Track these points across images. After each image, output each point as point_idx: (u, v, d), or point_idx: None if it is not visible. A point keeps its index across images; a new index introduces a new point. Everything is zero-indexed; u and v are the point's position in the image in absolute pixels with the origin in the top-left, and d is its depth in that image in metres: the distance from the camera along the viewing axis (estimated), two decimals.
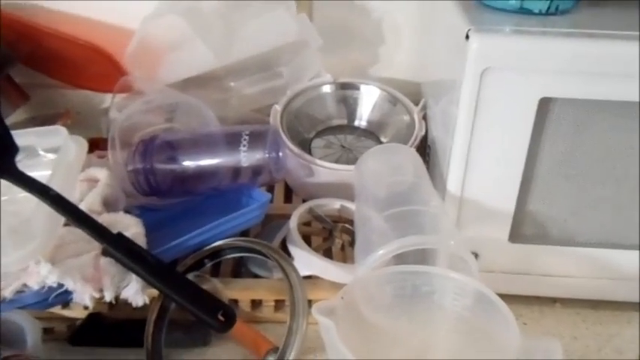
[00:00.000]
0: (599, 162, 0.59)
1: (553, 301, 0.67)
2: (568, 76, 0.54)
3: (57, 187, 0.54)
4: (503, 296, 0.49)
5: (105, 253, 0.53)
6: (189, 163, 0.67)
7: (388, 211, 0.57)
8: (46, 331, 0.61)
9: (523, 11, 0.59)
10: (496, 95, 0.55)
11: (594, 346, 0.62)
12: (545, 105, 0.56)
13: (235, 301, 0.62)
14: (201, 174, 0.67)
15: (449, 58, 0.65)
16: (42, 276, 0.51)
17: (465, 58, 0.55)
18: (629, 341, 0.63)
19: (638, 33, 0.53)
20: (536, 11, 0.59)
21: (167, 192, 0.68)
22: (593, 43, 0.54)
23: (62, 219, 0.55)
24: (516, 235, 0.62)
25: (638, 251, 0.62)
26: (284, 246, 0.65)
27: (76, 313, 0.62)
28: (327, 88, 0.81)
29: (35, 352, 0.58)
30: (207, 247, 0.61)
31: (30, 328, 0.59)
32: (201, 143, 0.69)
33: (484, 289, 0.50)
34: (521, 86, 0.55)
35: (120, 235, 0.53)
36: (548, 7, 0.58)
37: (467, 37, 0.54)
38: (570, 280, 0.64)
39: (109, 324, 0.62)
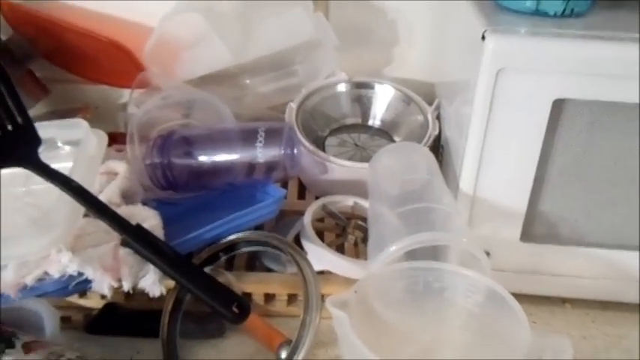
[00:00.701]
0: (611, 163, 0.59)
1: (562, 301, 0.68)
2: (582, 77, 0.55)
3: (78, 178, 0.55)
4: (513, 295, 0.50)
5: (124, 243, 0.54)
6: (205, 159, 0.68)
7: (401, 208, 0.57)
8: (64, 320, 0.63)
9: (539, 13, 0.60)
10: (510, 96, 0.56)
11: (603, 347, 0.63)
12: (558, 106, 0.56)
13: (249, 295, 0.63)
14: (217, 169, 0.68)
15: (463, 59, 0.66)
16: (63, 264, 0.52)
17: (480, 58, 0.55)
18: (637, 342, 0.63)
19: None
20: (552, 13, 0.59)
21: (183, 186, 0.69)
22: (608, 46, 0.54)
23: (82, 210, 0.56)
24: (528, 234, 0.63)
25: None
26: (297, 242, 0.66)
27: (93, 302, 0.64)
28: (342, 87, 0.82)
29: (53, 340, 0.60)
30: (223, 241, 0.62)
31: (48, 317, 0.60)
32: (218, 139, 0.70)
33: (496, 286, 0.51)
34: (535, 87, 0.55)
35: (139, 226, 0.54)
36: (564, 10, 0.59)
37: (483, 37, 0.55)
38: (580, 281, 0.65)
39: (125, 314, 0.63)
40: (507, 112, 0.57)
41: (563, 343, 0.46)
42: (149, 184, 0.68)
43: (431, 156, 0.67)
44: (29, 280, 0.52)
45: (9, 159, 0.56)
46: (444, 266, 0.54)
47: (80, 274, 0.52)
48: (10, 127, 0.56)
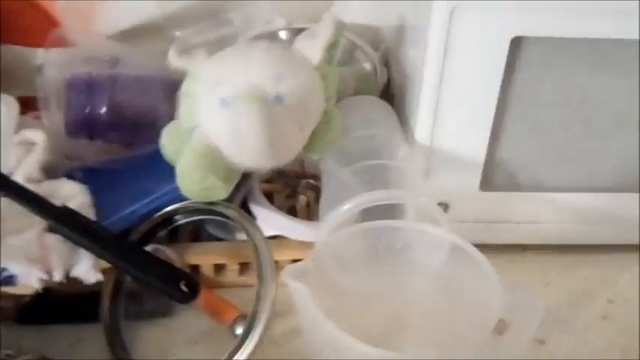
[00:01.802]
0: (568, 105, 0.57)
1: (523, 248, 0.66)
2: (540, 13, 0.51)
3: None
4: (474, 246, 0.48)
5: (50, 229, 0.48)
6: (128, 104, 0.62)
7: (355, 165, 0.53)
8: None
9: None
10: (465, 36, 0.52)
11: (566, 292, 0.62)
12: (516, 45, 0.53)
13: (197, 267, 0.58)
14: (142, 118, 0.62)
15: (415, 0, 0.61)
16: None
17: None
18: (599, 283, 0.63)
19: None
20: None
21: (104, 133, 0.62)
22: None
23: None
24: (487, 183, 0.60)
25: (605, 194, 0.61)
26: (244, 206, 0.61)
27: (23, 289, 0.57)
28: (282, 35, 0.76)
29: None
30: (161, 213, 0.57)
31: None
32: (143, 86, 0.65)
33: (462, 242, 0.48)
34: (492, 25, 0.51)
35: (65, 208, 0.48)
36: None
37: None
38: (541, 226, 0.64)
39: (60, 299, 0.57)
40: (463, 54, 0.53)
41: (534, 302, 0.43)
42: (71, 152, 0.61)
43: (387, 108, 0.63)
44: None
45: None
46: (405, 224, 0.51)
47: (3, 269, 0.46)
48: None
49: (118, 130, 0.61)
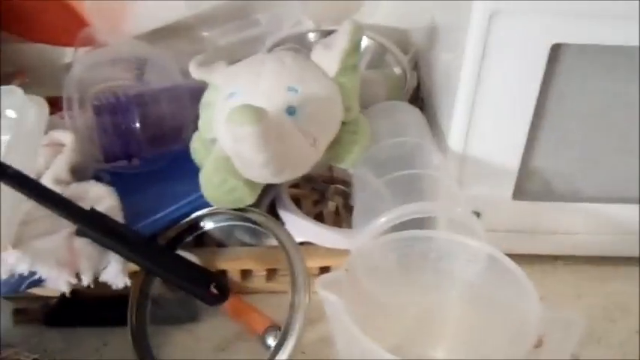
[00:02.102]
0: (606, 113, 0.55)
1: (554, 259, 0.65)
2: (582, 20, 0.49)
3: (16, 160, 0.47)
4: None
5: (79, 233, 0.47)
6: (157, 120, 0.61)
7: (389, 176, 0.52)
8: (18, 312, 0.57)
9: None
10: (504, 42, 0.50)
11: (599, 305, 0.60)
12: (556, 52, 0.51)
13: (224, 272, 0.58)
14: (171, 130, 0.62)
15: (451, 3, 0.59)
16: (11, 264, 0.45)
17: (471, 1, 0.49)
18: (634, 296, 0.61)
19: None
20: None
21: (138, 153, 0.62)
22: None
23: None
24: (520, 192, 0.59)
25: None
26: (271, 211, 0.60)
27: (50, 291, 0.57)
28: (311, 37, 0.75)
29: (7, 337, 0.53)
30: (188, 219, 0.56)
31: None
32: (169, 97, 0.63)
33: (499, 254, 0.46)
34: (532, 31, 0.50)
35: (95, 212, 0.48)
36: None
37: None
38: (574, 237, 0.62)
39: (87, 302, 0.56)
40: (501, 60, 0.51)
41: (573, 319, 0.42)
42: (97, 154, 0.60)
43: (418, 114, 0.62)
44: None
45: None
46: (439, 234, 0.49)
47: (32, 272, 0.46)
48: None
49: (152, 145, 0.61)
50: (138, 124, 0.60)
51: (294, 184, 0.65)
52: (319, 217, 0.62)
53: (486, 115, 0.54)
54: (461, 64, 0.52)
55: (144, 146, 0.60)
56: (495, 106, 0.54)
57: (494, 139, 0.56)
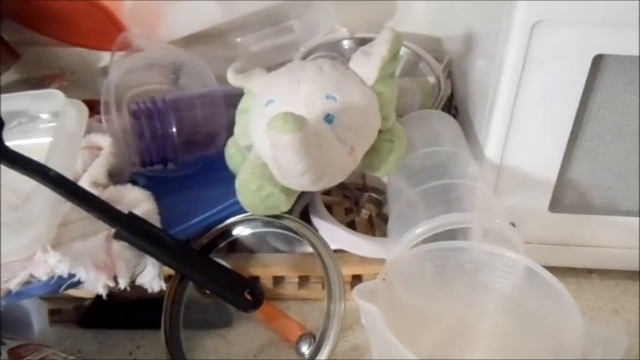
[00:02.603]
0: None
1: (589, 272, 0.64)
2: (625, 31, 0.49)
3: (57, 162, 0.48)
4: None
5: (118, 236, 0.48)
6: (193, 120, 0.62)
7: (424, 185, 0.52)
8: (53, 312, 0.57)
9: None
10: (546, 52, 0.50)
11: (636, 319, 0.59)
12: (598, 63, 0.50)
13: (256, 278, 0.58)
14: (206, 136, 0.62)
15: (488, 10, 0.59)
16: (51, 265, 0.45)
17: (513, 10, 0.49)
18: None
19: None
20: None
21: (174, 159, 0.63)
22: None
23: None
24: (557, 204, 0.58)
25: None
26: (302, 218, 0.60)
27: (84, 292, 0.57)
28: (345, 44, 0.75)
29: (43, 337, 0.54)
30: (225, 224, 0.56)
31: (35, 310, 0.55)
32: (204, 101, 0.64)
33: (537, 267, 0.46)
34: (574, 42, 0.49)
35: (133, 216, 0.48)
36: None
37: None
38: (611, 251, 0.61)
39: (121, 304, 0.57)
40: (542, 70, 0.51)
41: (616, 336, 0.41)
42: (132, 157, 0.61)
43: (453, 123, 0.61)
44: (13, 286, 0.45)
45: None
46: (477, 245, 0.49)
47: (71, 275, 0.46)
48: None
49: (187, 149, 0.62)
50: (174, 129, 0.60)
51: (326, 191, 0.65)
52: (351, 225, 0.62)
53: (525, 125, 0.54)
54: (500, 73, 0.52)
55: (179, 151, 0.61)
56: (534, 117, 0.53)
57: (532, 150, 0.55)
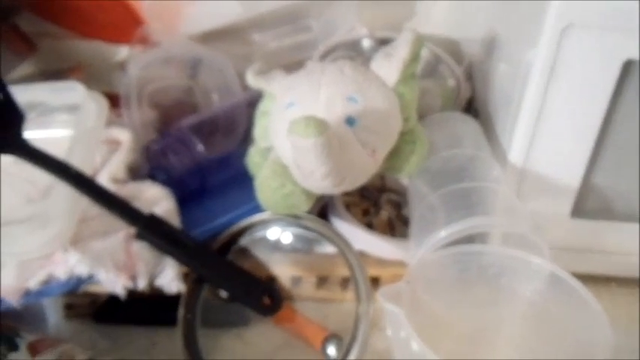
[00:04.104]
0: None
1: (608, 280, 0.63)
2: None
3: (78, 158, 0.47)
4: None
5: (139, 237, 0.47)
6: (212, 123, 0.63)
7: (446, 188, 0.51)
8: (68, 307, 0.57)
9: None
10: (575, 56, 0.49)
11: None
12: (627, 68, 0.50)
13: (273, 279, 0.57)
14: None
15: (514, 14, 0.58)
16: (70, 265, 0.45)
17: (543, 14, 0.48)
18: None
19: None
20: None
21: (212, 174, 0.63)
22: None
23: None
24: (579, 210, 0.57)
25: None
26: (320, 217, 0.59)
27: (100, 287, 0.57)
28: (365, 44, 0.74)
29: (57, 331, 0.54)
30: (243, 224, 0.55)
31: (50, 305, 0.54)
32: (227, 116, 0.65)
33: (563, 273, 0.45)
34: (604, 47, 0.49)
35: (154, 217, 0.47)
36: None
37: None
38: (630, 259, 0.60)
39: (137, 300, 0.56)
40: (570, 74, 0.50)
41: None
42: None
43: (475, 125, 0.61)
44: (33, 284, 0.45)
45: None
46: (500, 250, 0.48)
47: (90, 274, 0.46)
48: None
49: (219, 167, 0.62)
50: (202, 151, 0.60)
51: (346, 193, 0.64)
52: (369, 226, 0.61)
53: (550, 130, 0.53)
54: (526, 77, 0.51)
55: (215, 169, 0.61)
56: (560, 122, 0.53)
57: (556, 155, 0.54)
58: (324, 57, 0.72)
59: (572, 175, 0.56)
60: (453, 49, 0.76)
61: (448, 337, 0.50)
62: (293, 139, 0.44)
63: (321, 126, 0.43)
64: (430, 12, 0.83)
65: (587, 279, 0.61)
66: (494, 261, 0.48)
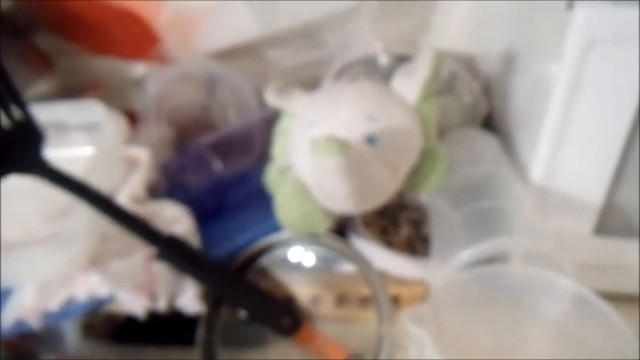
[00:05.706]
0: None
1: (631, 299, 0.62)
2: None
3: (98, 178, 0.47)
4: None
5: (160, 257, 0.47)
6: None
7: (467, 206, 0.51)
8: (86, 326, 0.56)
9: None
10: (599, 73, 0.49)
11: None
12: None
13: (291, 298, 0.56)
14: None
15: (534, 29, 0.58)
16: (91, 286, 0.45)
17: (566, 29, 0.48)
18: None
19: None
20: None
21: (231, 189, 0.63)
22: None
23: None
24: (602, 227, 0.57)
25: None
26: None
27: (119, 307, 0.57)
28: (382, 60, 0.74)
29: (76, 352, 0.53)
30: (262, 244, 0.55)
31: (68, 325, 0.54)
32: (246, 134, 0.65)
33: (589, 294, 0.45)
34: (628, 62, 0.48)
35: (174, 238, 0.47)
36: None
37: (570, 6, 0.47)
38: None
39: (155, 319, 0.56)
40: (593, 91, 0.50)
41: None
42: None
43: (495, 143, 0.60)
44: (53, 306, 0.45)
45: (4, 167, 0.43)
46: (525, 270, 0.48)
47: (112, 295, 0.45)
48: (4, 126, 0.43)
49: (237, 185, 0.62)
50: (220, 169, 0.61)
51: None
52: (388, 245, 0.60)
53: (573, 146, 0.52)
54: (549, 93, 0.51)
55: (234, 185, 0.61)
56: (583, 138, 0.52)
57: (579, 172, 0.54)
58: (340, 74, 0.72)
59: (594, 193, 0.55)
60: (469, 64, 0.76)
61: (472, 358, 0.49)
62: (315, 159, 0.44)
63: (342, 146, 0.43)
64: (445, 26, 0.82)
65: (610, 297, 0.61)
66: (518, 281, 0.47)
